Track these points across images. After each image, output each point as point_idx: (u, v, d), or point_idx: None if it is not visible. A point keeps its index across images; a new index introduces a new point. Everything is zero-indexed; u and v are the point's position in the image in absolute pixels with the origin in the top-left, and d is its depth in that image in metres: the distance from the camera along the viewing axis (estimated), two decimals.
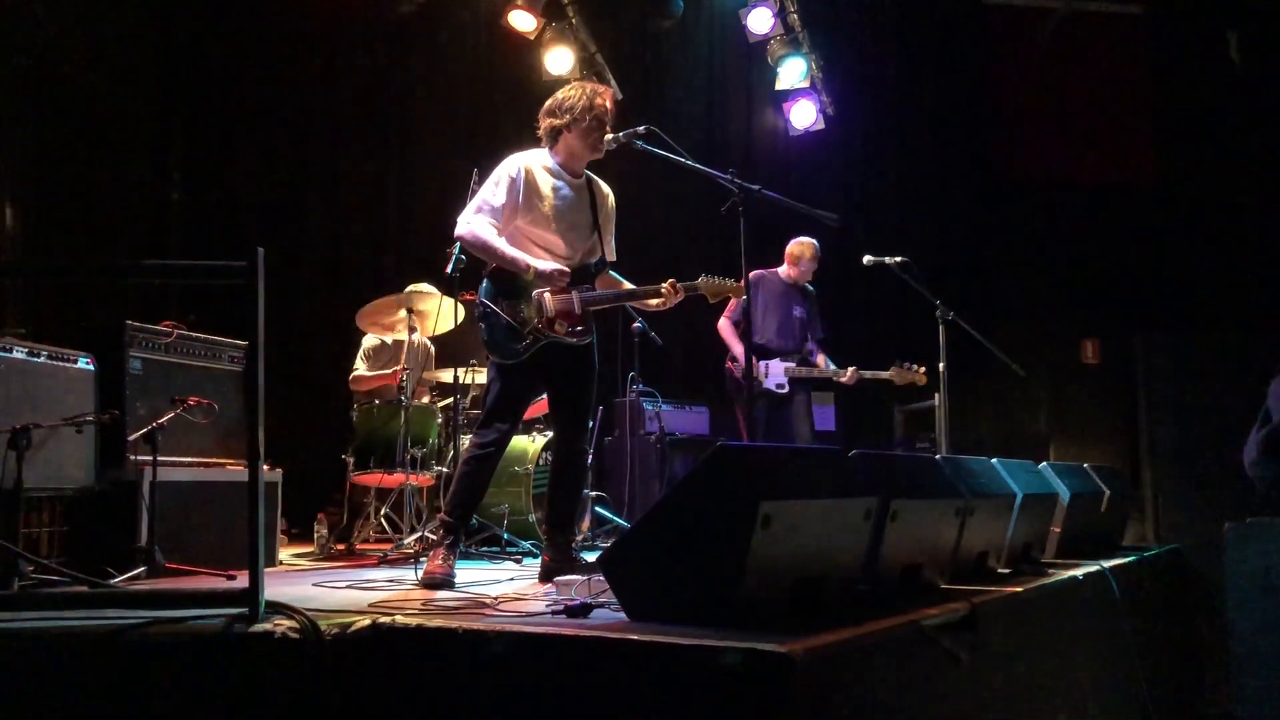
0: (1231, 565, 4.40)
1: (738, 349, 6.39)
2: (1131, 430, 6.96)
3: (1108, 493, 5.02)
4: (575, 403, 4.34)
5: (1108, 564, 4.24)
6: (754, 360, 6.34)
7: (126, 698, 2.57)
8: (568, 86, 4.36)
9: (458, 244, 4.51)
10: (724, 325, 6.54)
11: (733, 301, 6.31)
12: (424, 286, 6.15)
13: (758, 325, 6.49)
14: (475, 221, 4.16)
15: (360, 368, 6.39)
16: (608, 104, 4.26)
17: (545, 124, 4.29)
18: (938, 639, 2.75)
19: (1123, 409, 7.56)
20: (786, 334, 6.59)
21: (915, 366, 6.33)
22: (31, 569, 3.59)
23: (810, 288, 6.79)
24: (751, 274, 6.67)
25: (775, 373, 6.46)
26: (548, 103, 4.31)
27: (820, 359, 6.62)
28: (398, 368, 5.94)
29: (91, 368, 4.16)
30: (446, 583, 3.83)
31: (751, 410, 6.15)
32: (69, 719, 2.57)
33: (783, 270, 6.72)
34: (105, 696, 2.57)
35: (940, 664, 2.78)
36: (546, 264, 4.14)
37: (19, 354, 3.85)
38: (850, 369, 6.45)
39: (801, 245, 6.69)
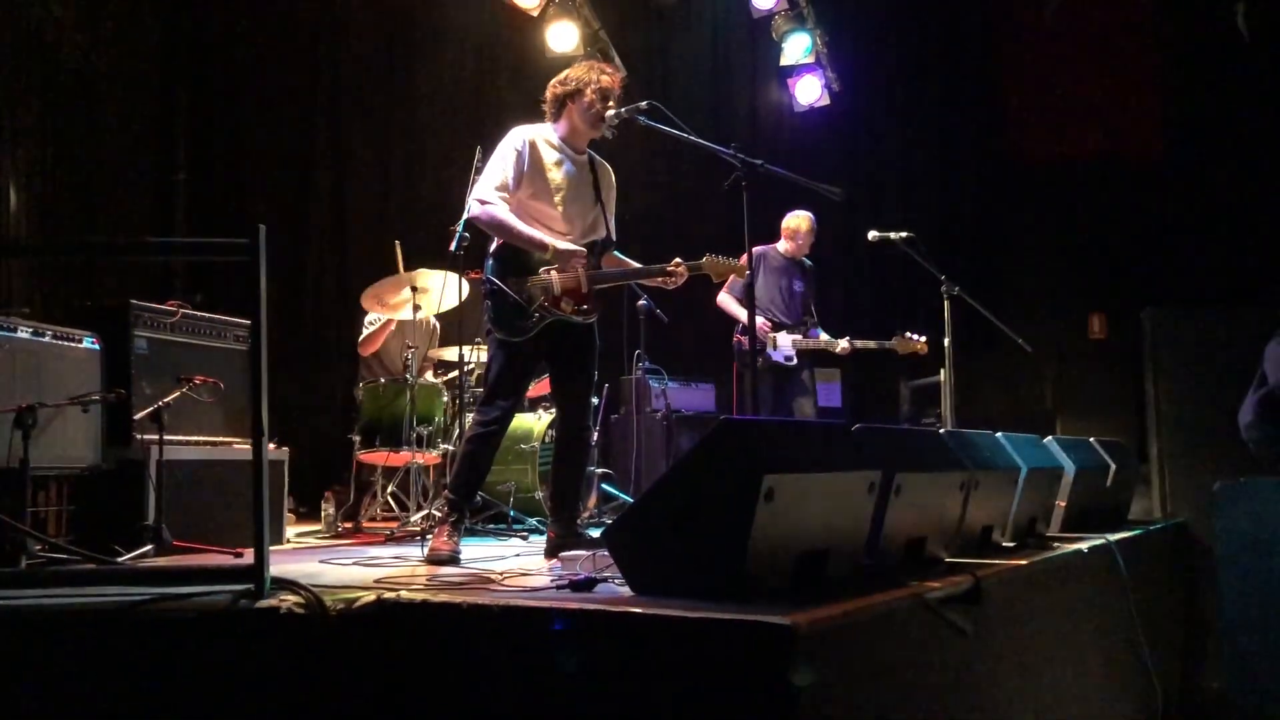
0: (1221, 525, 4.42)
1: (744, 317, 6.31)
2: (1138, 405, 6.95)
3: (1113, 466, 5.01)
4: (578, 379, 4.34)
5: (1113, 537, 4.24)
6: (762, 332, 6.36)
7: (133, 674, 2.59)
8: (577, 65, 4.38)
9: (462, 222, 4.50)
10: (725, 299, 6.48)
11: (732, 276, 6.30)
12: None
13: (760, 300, 6.44)
14: (491, 200, 4.15)
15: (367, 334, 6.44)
16: (615, 83, 4.26)
17: (551, 92, 4.31)
18: (942, 612, 2.76)
19: (1129, 384, 7.54)
20: (786, 308, 6.55)
21: (916, 336, 6.35)
22: (39, 547, 3.61)
23: (808, 262, 6.74)
24: (753, 249, 6.67)
25: (783, 345, 6.42)
26: (556, 76, 4.33)
27: (820, 333, 6.57)
28: (391, 318, 6.18)
29: (97, 347, 4.16)
30: (452, 559, 3.84)
31: (757, 382, 6.12)
32: (77, 695, 2.59)
33: (781, 244, 6.66)
34: (113, 673, 2.59)
35: (944, 636, 2.79)
36: (566, 244, 4.14)
37: (24, 334, 3.86)
38: (844, 340, 6.44)
39: (798, 218, 6.60)
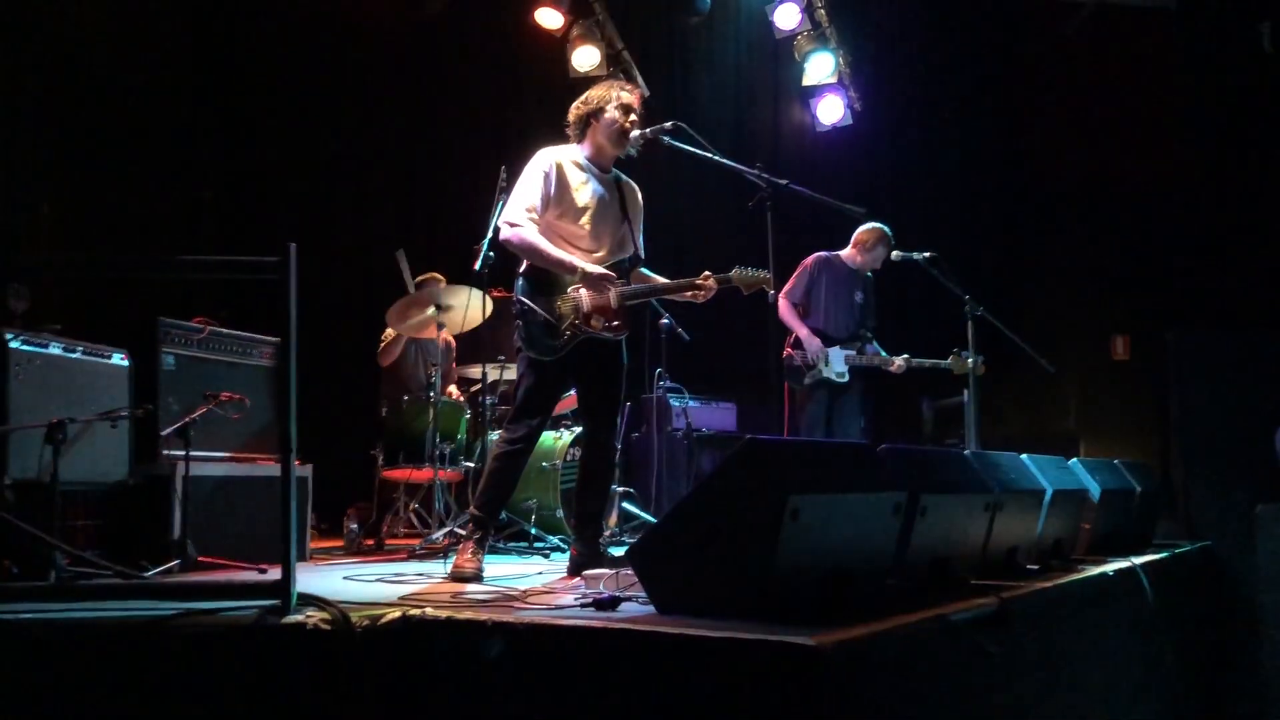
0: (1264, 547, 4.36)
1: (802, 332, 6.19)
2: (1162, 427, 6.89)
3: (1138, 489, 4.98)
4: (605, 397, 4.36)
5: (1139, 560, 4.21)
6: (814, 354, 6.19)
7: (161, 687, 2.61)
8: (597, 85, 4.42)
9: (486, 241, 4.53)
10: (784, 307, 6.28)
11: (791, 281, 6.27)
12: (438, 276, 6.24)
13: (818, 308, 6.33)
14: (520, 223, 4.18)
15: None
16: (635, 98, 4.30)
17: (574, 114, 4.35)
18: (967, 633, 2.75)
19: (1153, 405, 7.49)
20: (846, 320, 6.37)
21: (973, 357, 5.97)
22: (68, 561, 3.64)
23: (869, 275, 6.59)
24: (816, 255, 6.66)
25: (836, 361, 6.23)
26: (577, 98, 4.37)
27: (873, 348, 6.41)
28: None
29: (126, 363, 4.21)
30: (476, 577, 3.85)
31: (805, 399, 6.05)
32: (105, 708, 2.61)
33: (847, 254, 6.51)
34: (141, 686, 2.61)
35: (969, 658, 2.78)
36: (595, 267, 4.17)
37: (55, 350, 3.91)
38: (900, 358, 6.25)
39: (874, 231, 6.41)
